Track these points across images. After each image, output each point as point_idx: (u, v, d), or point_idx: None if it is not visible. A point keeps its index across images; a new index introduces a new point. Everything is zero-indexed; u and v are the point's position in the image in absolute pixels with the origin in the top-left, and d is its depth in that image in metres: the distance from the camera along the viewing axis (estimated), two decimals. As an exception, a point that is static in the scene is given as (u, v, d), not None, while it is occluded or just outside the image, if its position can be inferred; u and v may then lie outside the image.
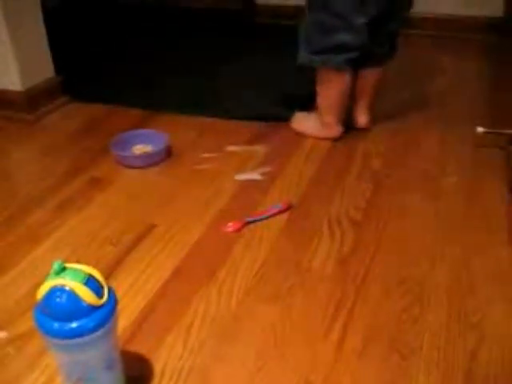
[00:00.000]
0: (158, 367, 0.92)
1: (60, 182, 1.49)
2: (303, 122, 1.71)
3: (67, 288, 0.72)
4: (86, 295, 0.72)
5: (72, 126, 1.82)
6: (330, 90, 1.58)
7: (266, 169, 1.51)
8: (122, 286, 1.09)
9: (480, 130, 1.59)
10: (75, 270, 0.74)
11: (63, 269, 0.73)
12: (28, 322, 1.00)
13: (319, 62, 1.53)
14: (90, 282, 0.74)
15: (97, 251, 1.22)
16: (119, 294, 0.81)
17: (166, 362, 0.93)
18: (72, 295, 0.72)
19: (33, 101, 1.84)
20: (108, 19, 2.87)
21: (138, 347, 0.96)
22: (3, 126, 1.83)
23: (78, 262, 0.79)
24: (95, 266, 0.79)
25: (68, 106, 1.94)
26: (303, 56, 1.55)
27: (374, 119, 1.77)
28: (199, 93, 1.98)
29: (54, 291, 0.73)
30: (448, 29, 2.54)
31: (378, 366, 0.92)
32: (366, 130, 1.71)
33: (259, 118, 1.78)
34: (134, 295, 1.08)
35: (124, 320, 1.00)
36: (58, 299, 0.72)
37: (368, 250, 1.19)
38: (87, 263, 0.78)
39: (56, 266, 0.73)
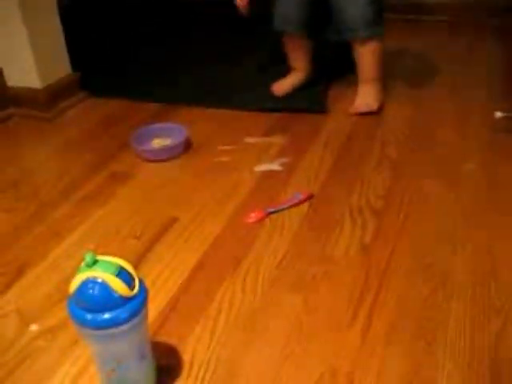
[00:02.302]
0: (186, 357, 0.94)
1: (81, 177, 1.51)
2: (373, 97, 1.77)
3: (100, 280, 0.73)
4: (119, 286, 0.74)
5: (91, 121, 1.84)
6: None
7: (285, 159, 1.52)
8: (147, 278, 1.08)
9: (498, 114, 1.58)
10: (107, 261, 0.75)
11: (95, 261, 0.75)
12: (58, 315, 1.02)
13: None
14: (122, 273, 0.75)
15: (121, 245, 1.23)
16: (146, 286, 0.82)
17: (194, 352, 0.95)
18: (105, 287, 0.73)
19: (51, 98, 1.86)
20: (123, 14, 2.87)
21: (167, 338, 0.98)
22: (23, 124, 1.85)
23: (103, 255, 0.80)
24: (120, 260, 0.80)
25: (86, 102, 1.95)
26: (382, 29, 1.71)
27: (390, 106, 1.78)
28: (216, 85, 1.99)
29: (86, 283, 0.74)
30: (462, 14, 2.52)
31: (403, 352, 0.93)
32: (381, 117, 1.72)
33: (277, 109, 1.78)
34: (159, 287, 1.10)
35: (151, 311, 1.00)
36: (90, 291, 0.74)
37: (390, 237, 1.20)
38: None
39: (88, 258, 0.74)
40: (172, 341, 0.97)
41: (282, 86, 1.87)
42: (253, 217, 1.28)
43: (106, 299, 0.74)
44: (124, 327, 0.75)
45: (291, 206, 1.31)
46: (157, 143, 1.62)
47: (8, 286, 1.13)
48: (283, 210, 1.30)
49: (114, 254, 0.79)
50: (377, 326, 0.98)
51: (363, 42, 1.70)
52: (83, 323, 0.75)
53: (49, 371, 0.93)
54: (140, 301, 0.77)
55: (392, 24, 1.60)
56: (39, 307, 1.07)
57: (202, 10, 2.81)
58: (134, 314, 0.76)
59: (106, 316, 0.74)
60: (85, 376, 0.92)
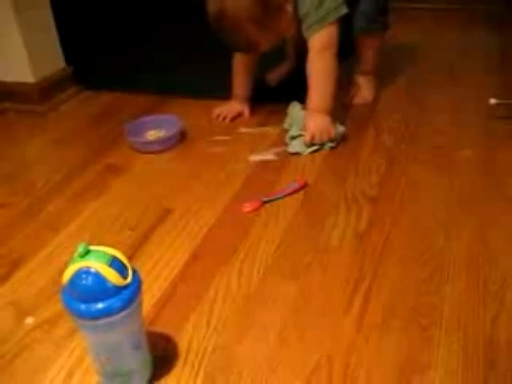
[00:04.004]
0: (182, 346, 0.94)
1: (76, 170, 1.50)
2: (369, 90, 1.78)
3: (92, 270, 0.73)
4: (112, 276, 0.74)
5: (85, 114, 1.84)
6: None
7: (280, 148, 1.52)
8: (142, 269, 1.09)
9: (493, 101, 1.58)
10: (99, 251, 0.75)
11: (87, 251, 0.75)
12: (54, 307, 1.02)
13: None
14: (115, 262, 0.75)
15: (116, 236, 1.23)
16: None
17: (190, 341, 0.95)
18: (97, 276, 0.73)
19: (45, 92, 1.86)
20: (114, 6, 2.85)
21: (162, 328, 0.98)
22: (17, 118, 1.85)
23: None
24: (116, 251, 0.80)
25: (80, 96, 1.95)
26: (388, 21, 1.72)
27: (385, 95, 1.78)
28: (209, 76, 1.98)
29: (79, 273, 0.74)
30: (456, 1, 2.52)
31: (398, 338, 0.93)
32: (376, 106, 1.72)
33: (270, 99, 1.78)
34: (155, 278, 1.10)
35: (147, 302, 1.01)
36: (84, 281, 0.74)
37: (385, 225, 1.20)
38: (108, 248, 0.79)
39: (81, 248, 0.74)
40: (168, 330, 0.97)
41: (275, 76, 1.88)
42: (248, 206, 1.28)
43: (99, 289, 0.73)
44: (118, 316, 0.75)
45: (286, 195, 1.31)
46: (151, 135, 1.61)
47: (4, 278, 1.13)
48: (278, 199, 1.30)
49: (110, 246, 0.79)
50: (372, 313, 0.98)
51: (367, 35, 1.70)
52: (77, 313, 0.75)
53: (45, 363, 0.93)
54: (134, 290, 0.77)
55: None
56: (35, 300, 1.06)
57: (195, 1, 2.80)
58: (127, 302, 0.75)
59: (100, 306, 0.74)
60: (81, 367, 0.91)
